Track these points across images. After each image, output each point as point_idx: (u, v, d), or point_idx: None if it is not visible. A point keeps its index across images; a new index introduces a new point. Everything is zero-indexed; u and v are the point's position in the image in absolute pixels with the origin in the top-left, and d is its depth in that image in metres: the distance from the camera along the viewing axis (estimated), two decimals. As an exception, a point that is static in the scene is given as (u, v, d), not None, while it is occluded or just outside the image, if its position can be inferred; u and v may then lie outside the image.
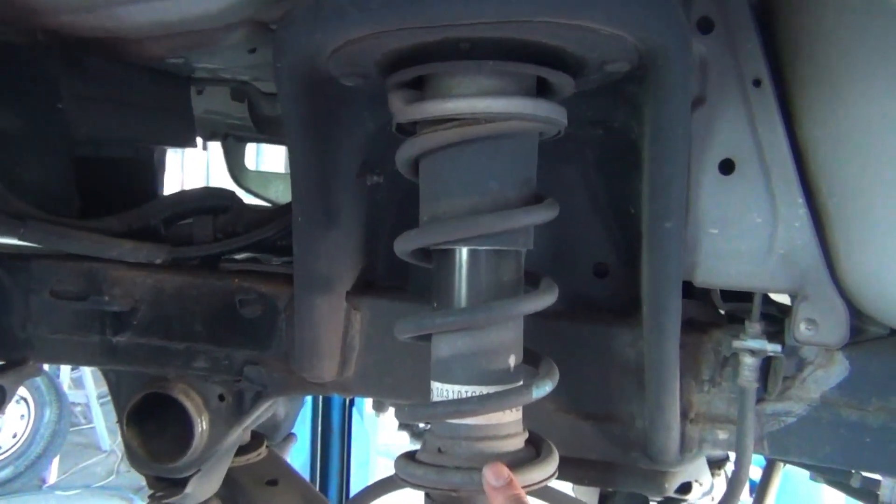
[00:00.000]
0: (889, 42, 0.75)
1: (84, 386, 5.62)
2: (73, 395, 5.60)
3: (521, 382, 0.85)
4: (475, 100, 0.79)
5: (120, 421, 1.24)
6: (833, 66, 0.81)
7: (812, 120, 0.87)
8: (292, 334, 1.10)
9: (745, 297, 0.99)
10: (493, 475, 0.76)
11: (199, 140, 2.40)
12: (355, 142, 1.02)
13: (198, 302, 1.17)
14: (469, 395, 0.82)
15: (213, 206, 1.26)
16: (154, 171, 1.52)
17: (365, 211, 1.10)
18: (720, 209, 0.92)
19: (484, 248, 0.83)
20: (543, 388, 0.82)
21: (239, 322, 1.17)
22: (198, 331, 1.18)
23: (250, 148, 2.49)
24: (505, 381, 0.83)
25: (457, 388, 0.82)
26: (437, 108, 0.80)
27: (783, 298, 1.02)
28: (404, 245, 0.85)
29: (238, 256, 1.32)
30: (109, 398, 1.33)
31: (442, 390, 0.84)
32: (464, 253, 0.83)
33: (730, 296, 1.04)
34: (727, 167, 0.91)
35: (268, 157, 3.49)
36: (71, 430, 5.36)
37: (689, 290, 0.98)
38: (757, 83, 0.88)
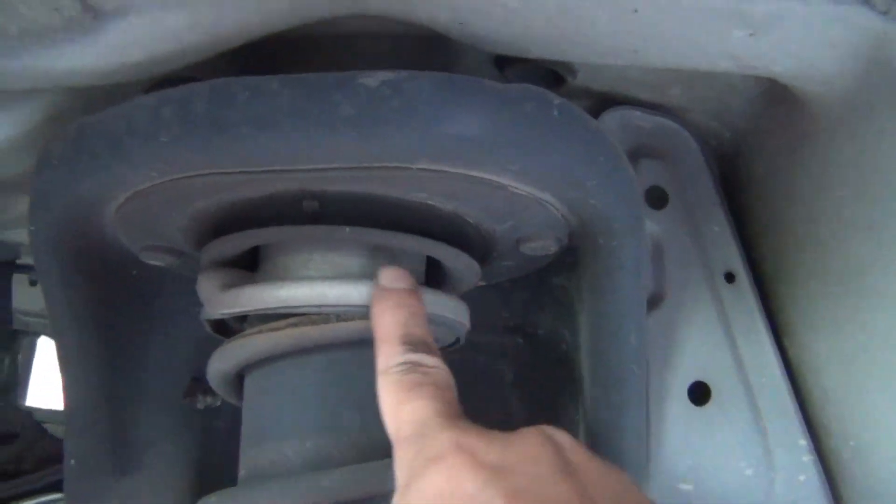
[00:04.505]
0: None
1: None
2: None
3: None
4: (325, 286, 0.50)
5: None
6: (853, 254, 0.56)
7: (814, 330, 0.61)
8: None
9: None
10: (391, 275, 0.50)
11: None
12: (177, 349, 0.71)
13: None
14: None
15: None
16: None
17: (190, 446, 0.77)
18: (693, 455, 0.64)
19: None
20: None
21: None
22: None
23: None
24: None
25: None
26: (264, 297, 0.51)
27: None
28: None
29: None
30: None
31: None
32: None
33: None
34: (700, 394, 0.64)
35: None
36: None
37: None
38: (730, 278, 0.64)
